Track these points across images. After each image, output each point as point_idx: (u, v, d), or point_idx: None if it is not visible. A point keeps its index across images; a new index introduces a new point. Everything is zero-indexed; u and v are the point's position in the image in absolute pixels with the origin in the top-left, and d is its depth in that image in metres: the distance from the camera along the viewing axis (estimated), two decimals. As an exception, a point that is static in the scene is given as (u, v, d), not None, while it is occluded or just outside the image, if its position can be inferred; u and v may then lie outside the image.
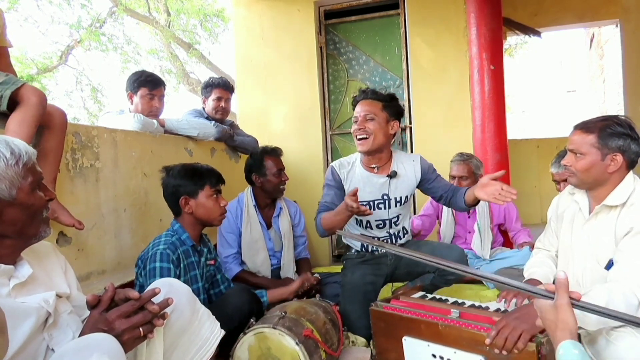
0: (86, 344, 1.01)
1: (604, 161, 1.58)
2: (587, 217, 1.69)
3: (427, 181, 2.36)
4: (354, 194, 1.92)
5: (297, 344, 1.69)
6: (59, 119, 1.84)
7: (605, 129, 1.58)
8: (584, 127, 1.63)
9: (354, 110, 2.31)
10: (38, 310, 1.09)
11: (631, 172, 1.63)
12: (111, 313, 1.12)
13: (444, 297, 1.94)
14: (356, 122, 2.23)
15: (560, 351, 1.01)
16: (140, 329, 1.13)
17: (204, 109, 3.30)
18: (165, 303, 1.20)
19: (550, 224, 1.95)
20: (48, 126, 1.83)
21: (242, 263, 2.73)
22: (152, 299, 1.19)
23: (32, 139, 1.68)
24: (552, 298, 1.06)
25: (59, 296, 1.19)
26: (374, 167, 2.30)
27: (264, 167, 2.72)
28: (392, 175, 2.29)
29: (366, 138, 2.20)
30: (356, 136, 2.23)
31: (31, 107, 1.67)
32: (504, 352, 1.42)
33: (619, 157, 1.57)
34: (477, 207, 3.01)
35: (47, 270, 1.24)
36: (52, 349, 1.12)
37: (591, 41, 9.09)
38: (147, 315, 1.15)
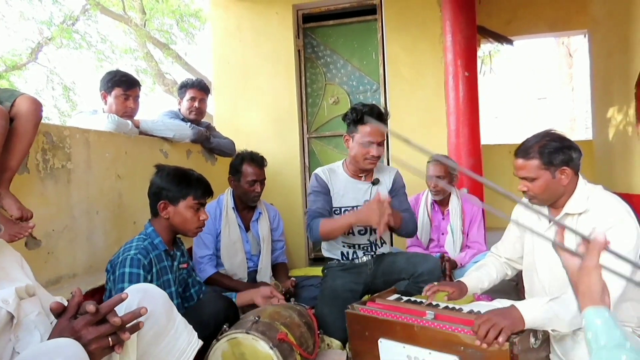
0: (47, 350, 0.96)
1: (555, 178, 1.65)
2: (547, 226, 1.75)
3: (393, 192, 2.44)
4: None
5: (271, 347, 1.69)
6: (25, 109, 1.70)
7: (543, 150, 1.65)
8: (525, 153, 1.69)
9: (357, 122, 2.29)
10: None
11: (581, 177, 1.70)
12: (78, 322, 1.05)
13: (418, 300, 1.97)
14: (369, 145, 2.26)
15: (583, 321, 0.92)
16: (109, 339, 1.06)
17: (179, 110, 3.27)
18: (138, 313, 1.10)
19: (508, 232, 2.02)
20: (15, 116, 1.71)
21: (218, 265, 2.71)
22: (118, 309, 1.10)
23: None
24: (581, 257, 0.96)
25: (21, 297, 1.13)
26: (361, 176, 2.42)
27: (240, 172, 2.70)
28: (375, 182, 2.42)
29: (377, 160, 2.33)
30: (366, 158, 2.29)
31: None
32: (484, 345, 1.46)
33: (568, 170, 1.65)
34: (450, 208, 3.10)
35: (2, 264, 1.18)
36: (18, 352, 1.07)
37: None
38: (115, 324, 1.06)
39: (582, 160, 1.69)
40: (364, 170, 2.40)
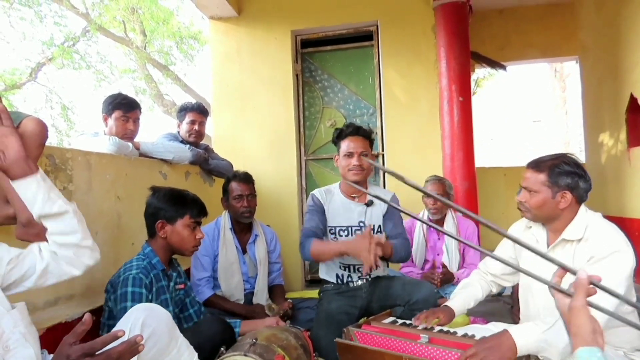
0: None
1: (555, 198, 1.67)
2: (545, 250, 1.78)
3: (388, 215, 2.46)
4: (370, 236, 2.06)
5: (269, 370, 1.70)
6: (30, 130, 1.72)
7: (554, 168, 1.68)
8: (536, 165, 1.73)
9: (338, 139, 2.41)
10: None
11: (583, 205, 1.72)
12: (75, 350, 1.07)
13: (414, 323, 1.98)
14: (350, 156, 2.34)
15: None
16: None
17: (178, 132, 3.32)
18: (133, 341, 1.12)
19: (502, 248, 2.05)
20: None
21: (215, 287, 2.72)
22: (124, 326, 1.15)
23: None
24: (571, 296, 0.96)
25: (12, 306, 1.15)
26: (354, 197, 2.45)
27: (228, 191, 2.76)
28: (369, 203, 2.44)
29: (361, 170, 2.35)
30: (349, 169, 2.34)
31: None
32: None
33: (568, 195, 1.66)
34: (445, 227, 3.13)
35: None
36: None
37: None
38: (112, 355, 1.08)
39: (589, 194, 1.71)
40: (354, 186, 2.41)
